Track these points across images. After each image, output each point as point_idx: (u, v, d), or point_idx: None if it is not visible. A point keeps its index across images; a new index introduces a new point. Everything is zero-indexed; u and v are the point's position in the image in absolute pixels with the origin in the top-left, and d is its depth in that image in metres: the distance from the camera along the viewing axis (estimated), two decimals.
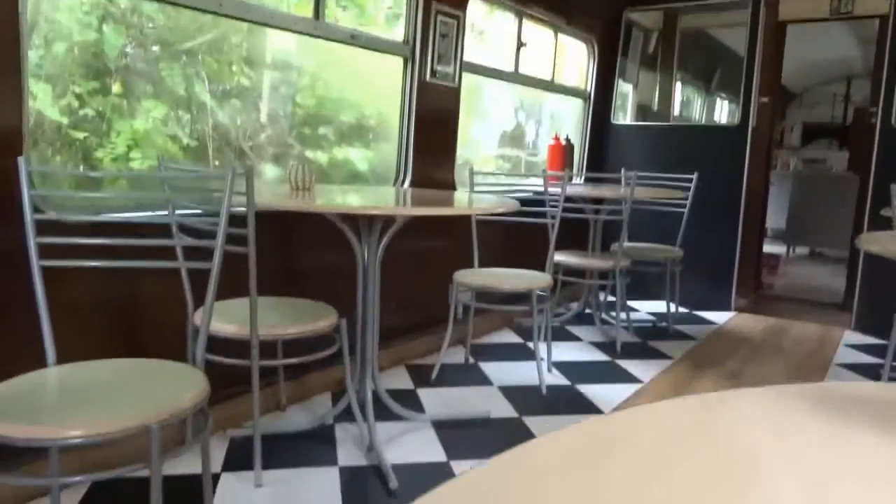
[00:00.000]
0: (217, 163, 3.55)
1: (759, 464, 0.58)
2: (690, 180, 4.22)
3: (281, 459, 2.23)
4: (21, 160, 1.59)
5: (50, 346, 1.63)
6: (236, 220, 1.80)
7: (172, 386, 1.52)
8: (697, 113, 6.42)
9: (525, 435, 2.54)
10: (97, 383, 1.55)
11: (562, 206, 3.16)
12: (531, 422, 2.67)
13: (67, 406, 1.44)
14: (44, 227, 1.63)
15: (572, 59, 5.04)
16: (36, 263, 1.62)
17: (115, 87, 3.28)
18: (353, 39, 3.13)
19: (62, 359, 1.63)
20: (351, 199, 2.45)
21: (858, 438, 0.65)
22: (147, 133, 3.31)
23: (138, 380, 1.59)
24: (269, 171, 3.80)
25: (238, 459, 2.21)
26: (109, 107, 3.25)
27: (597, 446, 0.62)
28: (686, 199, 4.18)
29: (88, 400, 1.46)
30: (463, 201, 2.61)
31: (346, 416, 2.51)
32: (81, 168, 3.08)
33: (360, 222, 2.33)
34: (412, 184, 3.40)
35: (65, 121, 3.04)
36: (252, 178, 1.90)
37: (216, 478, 2.10)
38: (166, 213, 2.07)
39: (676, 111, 5.74)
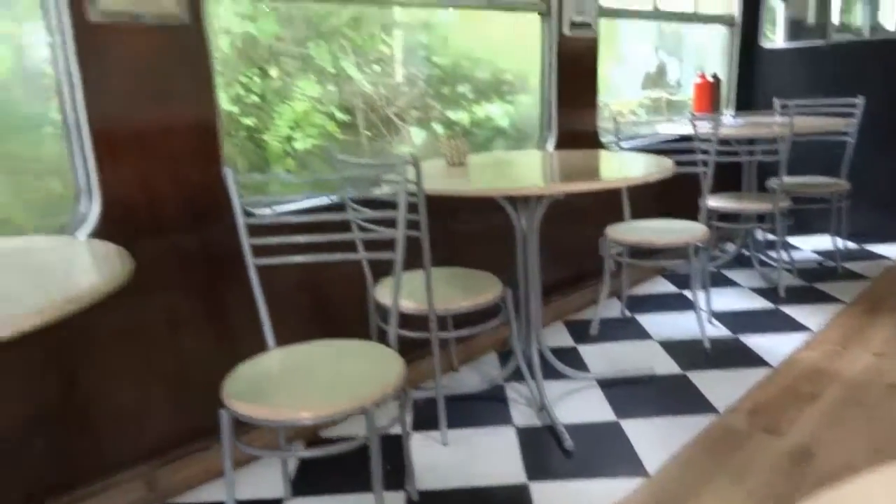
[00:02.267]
0: (368, 133, 3.74)
1: None
2: (855, 105, 3.90)
3: (460, 419, 2.42)
4: (229, 172, 1.80)
5: (269, 332, 1.88)
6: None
7: (378, 368, 1.71)
8: (861, 20, 5.80)
9: (691, 392, 2.58)
10: (312, 366, 1.77)
11: (715, 150, 3.07)
12: (696, 377, 2.70)
13: (293, 390, 1.67)
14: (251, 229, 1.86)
15: None
16: (251, 263, 1.85)
17: (273, 73, 3.52)
18: (490, 2, 3.15)
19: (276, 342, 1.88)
20: (505, 174, 2.54)
21: None
22: (305, 113, 3.54)
23: (346, 362, 1.80)
24: (416, 134, 3.94)
25: (424, 420, 2.43)
26: (270, 92, 3.50)
27: None
28: (851, 126, 3.87)
29: (310, 384, 1.68)
30: (616, 169, 2.62)
31: (515, 376, 2.66)
32: (265, 172, 3.34)
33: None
34: (557, 141, 3.41)
35: (235, 109, 3.33)
36: (420, 166, 2.03)
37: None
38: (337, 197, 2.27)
39: (836, 19, 5.21)
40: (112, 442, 2.03)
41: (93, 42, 1.84)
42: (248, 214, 1.88)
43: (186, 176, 2.08)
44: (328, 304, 2.53)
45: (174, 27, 1.97)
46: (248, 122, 3.41)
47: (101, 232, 1.90)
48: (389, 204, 1.84)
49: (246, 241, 1.84)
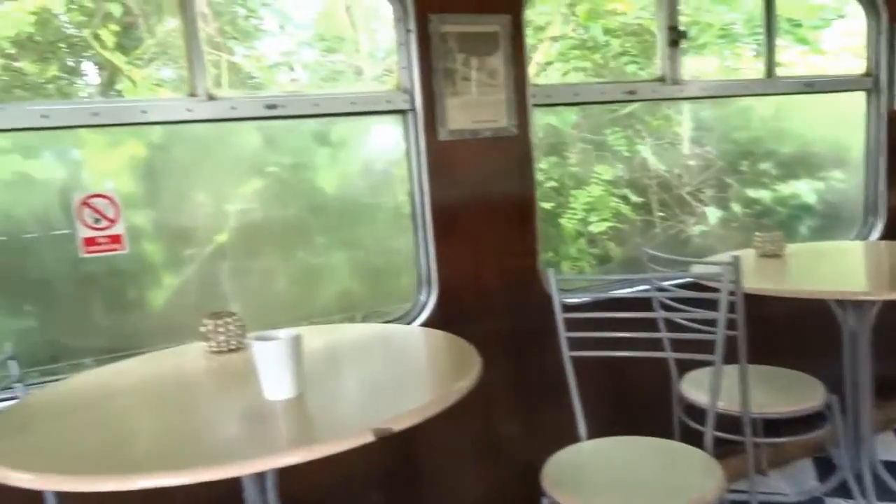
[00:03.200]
0: (661, 213, 3.72)
1: None
2: None
3: None
4: (551, 272, 1.95)
5: (581, 423, 1.96)
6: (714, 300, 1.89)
7: (696, 476, 1.68)
8: None
9: None
10: (629, 466, 1.80)
11: None
12: None
13: (614, 490, 1.70)
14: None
15: None
16: (567, 355, 1.96)
17: (571, 159, 3.70)
18: (809, 87, 2.98)
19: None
20: (829, 271, 2.35)
21: None
22: (601, 197, 3.65)
23: (663, 465, 1.79)
24: (711, 213, 3.81)
25: None
26: (567, 176, 3.68)
27: None
28: None
29: (630, 486, 1.71)
30: None
31: (840, 492, 2.38)
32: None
33: None
34: (885, 229, 3.06)
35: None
36: (740, 267, 1.99)
37: None
38: (647, 287, 2.29)
39: None
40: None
41: (440, 155, 2.16)
42: (565, 309, 2.00)
43: (508, 267, 2.29)
44: (628, 393, 2.55)
45: (505, 138, 2.22)
46: (546, 205, 3.62)
47: (435, 319, 2.17)
48: (703, 301, 1.83)
49: (563, 335, 1.96)
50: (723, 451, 2.46)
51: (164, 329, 2.35)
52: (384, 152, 2.55)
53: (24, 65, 2.49)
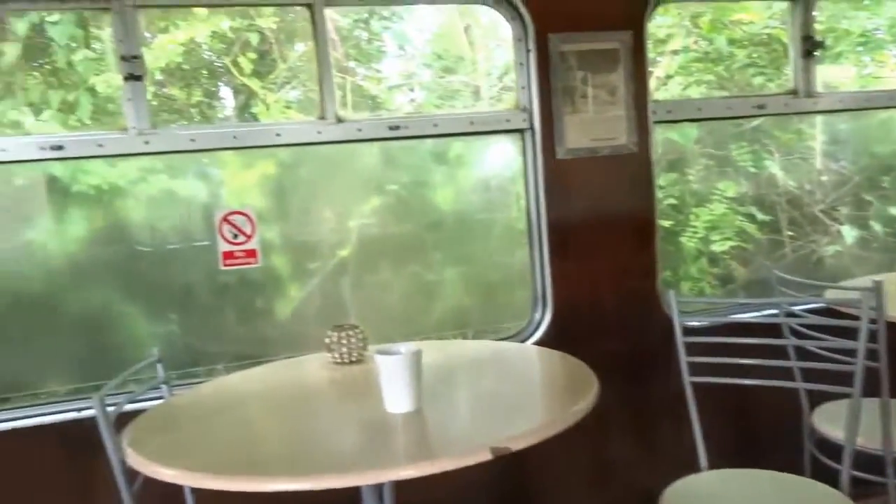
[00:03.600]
0: (790, 233, 3.51)
1: None
2: None
3: None
4: (671, 295, 1.89)
5: (702, 452, 1.88)
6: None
7: None
8: None
9: None
10: (749, 499, 1.71)
11: None
12: None
13: None
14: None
15: None
16: (688, 380, 1.89)
17: (692, 175, 3.57)
18: None
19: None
20: None
21: None
22: (724, 215, 3.49)
23: (788, 501, 1.69)
24: (847, 233, 3.56)
25: None
26: (688, 194, 3.55)
27: None
28: None
29: None
30: None
31: None
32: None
33: None
34: None
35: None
36: (883, 293, 1.84)
37: None
38: (776, 312, 2.17)
39: None
40: None
41: (558, 174, 2.15)
42: (686, 332, 1.93)
43: (626, 287, 2.25)
44: (753, 423, 2.42)
45: (624, 156, 2.19)
46: (665, 223, 3.51)
47: (550, 338, 2.16)
48: (840, 329, 1.71)
49: (684, 360, 1.89)
50: (860, 491, 2.28)
51: (289, 338, 2.48)
52: (499, 169, 2.58)
53: (173, 91, 2.73)
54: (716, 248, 3.46)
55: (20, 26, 2.42)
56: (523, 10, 2.09)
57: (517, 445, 1.16)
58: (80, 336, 2.29)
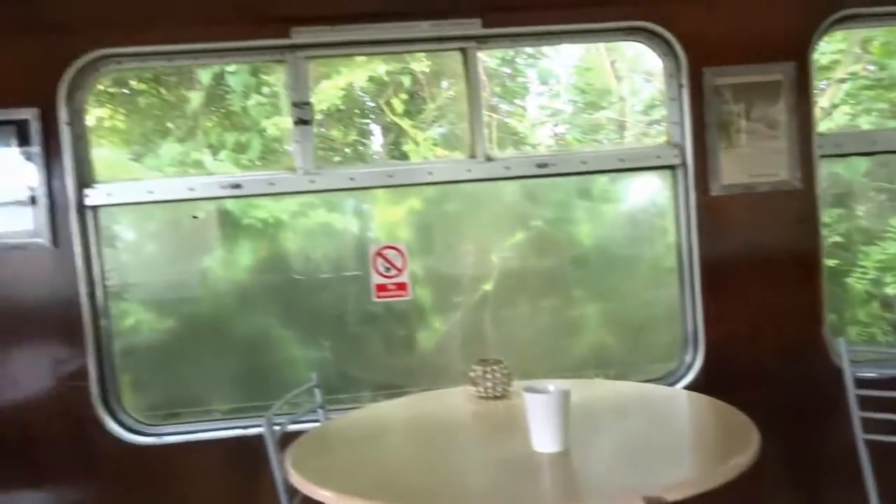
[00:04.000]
0: None
1: None
2: None
3: None
4: (842, 341, 1.75)
5: None
6: None
7: None
8: None
9: None
10: None
11: None
12: None
13: None
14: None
15: None
16: (860, 437, 1.73)
17: (861, 211, 3.29)
18: None
19: None
20: None
21: None
22: None
23: None
24: None
25: None
26: (855, 231, 3.27)
27: None
28: None
29: None
30: None
31: None
32: None
33: None
34: None
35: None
36: None
37: None
38: None
39: None
40: None
41: (712, 211, 2.07)
42: (859, 384, 1.77)
43: (787, 331, 2.10)
44: None
45: (786, 192, 2.06)
46: (829, 262, 3.25)
47: (701, 382, 2.05)
48: None
49: (856, 414, 1.73)
50: None
51: (431, 369, 2.54)
52: (643, 204, 2.52)
53: (332, 132, 2.93)
54: (890, 290, 3.15)
55: (205, 76, 2.72)
56: (677, 45, 2.05)
57: (672, 496, 1.11)
58: (240, 357, 2.48)
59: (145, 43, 2.01)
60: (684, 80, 2.06)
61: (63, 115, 1.99)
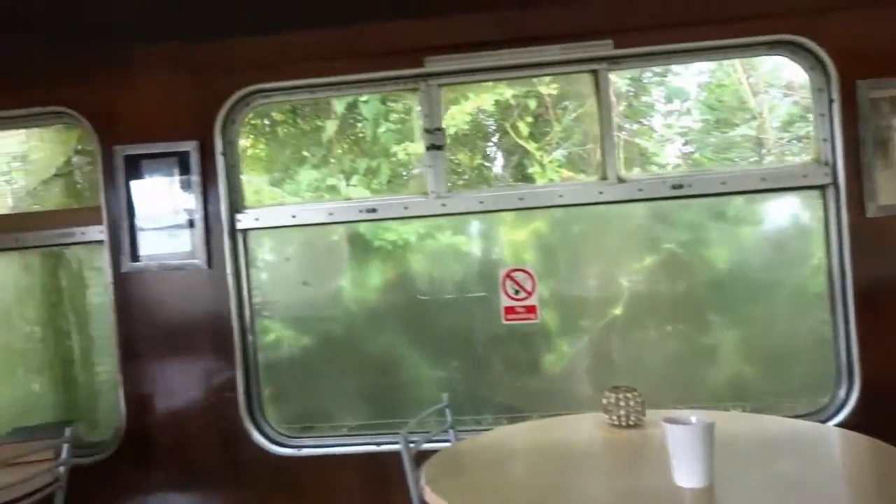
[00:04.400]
0: None
1: None
2: None
3: None
4: None
5: None
6: None
7: None
8: None
9: None
10: None
11: None
12: None
13: None
14: None
15: None
16: None
17: None
18: None
19: None
20: None
21: None
22: None
23: None
24: None
25: None
26: None
27: None
28: None
29: None
30: None
31: None
32: None
33: None
34: None
35: None
36: None
37: None
38: None
39: None
40: None
41: (868, 233, 1.92)
42: None
43: None
44: None
45: None
46: None
47: (857, 420, 1.89)
48: None
49: None
50: None
51: (558, 394, 2.50)
52: (784, 226, 2.36)
53: (459, 156, 2.99)
54: None
55: (339, 106, 2.87)
56: (826, 58, 1.93)
57: None
58: (369, 375, 2.56)
59: (291, 77, 2.16)
60: (835, 94, 1.93)
61: (219, 146, 2.17)
